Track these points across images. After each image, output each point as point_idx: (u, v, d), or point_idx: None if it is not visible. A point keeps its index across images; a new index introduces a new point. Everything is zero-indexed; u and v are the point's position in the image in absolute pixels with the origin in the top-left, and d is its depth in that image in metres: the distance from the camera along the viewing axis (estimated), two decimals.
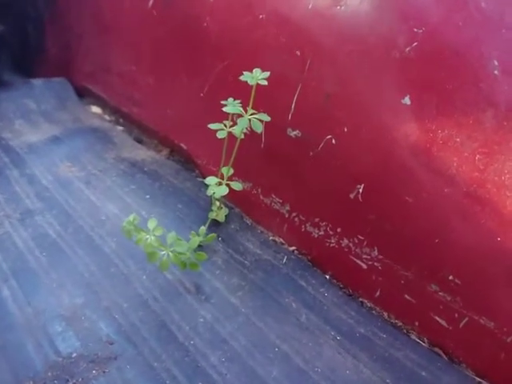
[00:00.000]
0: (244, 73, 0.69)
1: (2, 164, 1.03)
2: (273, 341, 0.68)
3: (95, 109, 1.39)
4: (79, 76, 1.43)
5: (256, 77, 0.67)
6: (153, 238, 0.61)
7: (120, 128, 1.30)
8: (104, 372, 0.60)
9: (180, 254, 0.67)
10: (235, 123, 0.78)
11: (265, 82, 0.68)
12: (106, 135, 1.22)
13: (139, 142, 1.23)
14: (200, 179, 1.05)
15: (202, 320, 0.70)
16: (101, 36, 1.32)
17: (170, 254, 0.65)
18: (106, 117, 1.36)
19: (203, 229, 0.84)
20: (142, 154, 1.16)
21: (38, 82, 1.38)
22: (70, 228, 0.85)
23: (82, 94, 1.43)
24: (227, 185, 0.79)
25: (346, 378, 0.64)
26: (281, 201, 0.88)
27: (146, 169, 1.07)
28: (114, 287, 0.74)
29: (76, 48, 1.44)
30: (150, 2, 1.05)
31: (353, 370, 0.65)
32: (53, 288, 0.72)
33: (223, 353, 0.66)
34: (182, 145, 1.08)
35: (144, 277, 0.76)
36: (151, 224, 0.62)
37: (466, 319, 0.66)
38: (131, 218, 0.59)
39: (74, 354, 0.62)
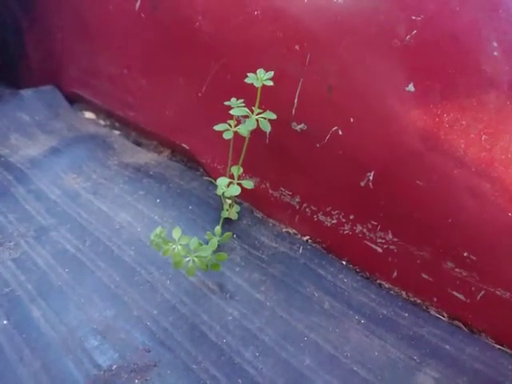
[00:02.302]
0: (248, 74, 0.70)
1: (6, 182, 1.02)
2: (301, 331, 0.71)
3: (88, 114, 1.38)
4: (67, 82, 1.41)
5: (261, 78, 0.68)
6: (179, 247, 0.62)
7: (117, 132, 1.29)
8: (146, 380, 0.62)
9: (203, 257, 0.69)
10: (239, 122, 0.79)
11: (270, 83, 0.68)
12: (105, 141, 1.22)
13: (138, 144, 1.23)
14: (206, 178, 1.06)
15: (230, 318, 0.73)
16: (85, 40, 1.29)
17: (195, 259, 0.67)
18: (101, 122, 1.35)
19: (218, 228, 0.85)
20: (144, 157, 1.16)
21: (27, 92, 1.36)
22: (88, 241, 0.86)
23: (73, 100, 1.41)
24: (239, 184, 0.80)
25: (375, 360, 0.67)
26: (290, 193, 0.90)
27: (151, 172, 1.07)
28: (141, 295, 0.75)
29: (60, 53, 1.41)
30: (137, 5, 1.03)
31: (381, 351, 0.68)
32: (81, 303, 0.73)
33: (255, 348, 0.68)
34: (184, 145, 1.09)
35: (168, 282, 0.78)
36: (176, 233, 0.63)
37: (483, 292, 0.69)
38: (158, 231, 0.60)
39: (114, 366, 0.64)
